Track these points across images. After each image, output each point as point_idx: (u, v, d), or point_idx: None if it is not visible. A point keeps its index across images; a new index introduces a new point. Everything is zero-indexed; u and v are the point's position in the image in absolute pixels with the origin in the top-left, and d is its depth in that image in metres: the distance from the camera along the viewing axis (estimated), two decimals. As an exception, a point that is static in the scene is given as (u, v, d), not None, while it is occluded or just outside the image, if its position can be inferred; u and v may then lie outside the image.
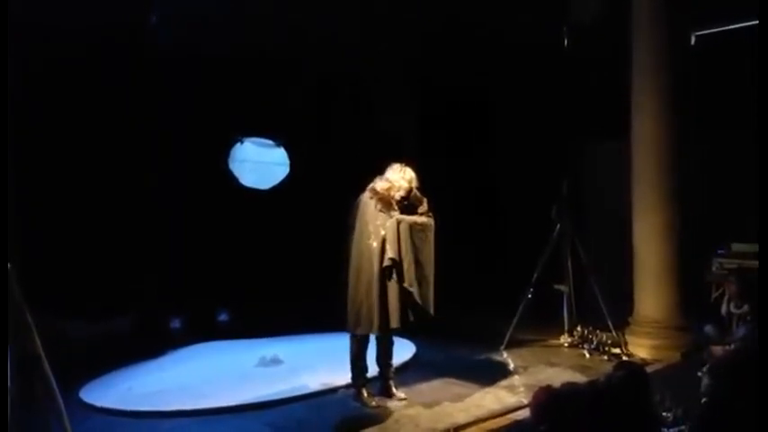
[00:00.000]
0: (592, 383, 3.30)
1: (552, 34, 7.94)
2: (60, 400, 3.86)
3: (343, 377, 5.45)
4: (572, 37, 7.88)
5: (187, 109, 7.43)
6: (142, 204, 7.27)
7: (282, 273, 7.79)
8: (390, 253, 4.99)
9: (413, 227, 5.10)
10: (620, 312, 6.80)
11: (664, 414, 3.62)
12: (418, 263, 5.06)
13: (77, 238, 6.69)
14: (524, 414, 4.51)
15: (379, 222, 5.08)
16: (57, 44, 6.48)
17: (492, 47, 8.52)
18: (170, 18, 7.06)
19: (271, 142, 8.41)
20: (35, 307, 3.54)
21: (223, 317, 8.02)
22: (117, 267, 7.07)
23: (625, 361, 5.90)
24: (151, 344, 6.99)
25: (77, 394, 5.60)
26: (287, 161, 8.47)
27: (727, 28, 7.27)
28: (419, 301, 5.05)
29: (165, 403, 5.40)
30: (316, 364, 6.28)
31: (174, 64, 7.27)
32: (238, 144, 8.19)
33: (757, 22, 6.93)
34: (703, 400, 3.26)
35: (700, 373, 3.39)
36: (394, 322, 5.03)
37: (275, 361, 6.42)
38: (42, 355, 3.68)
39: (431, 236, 5.18)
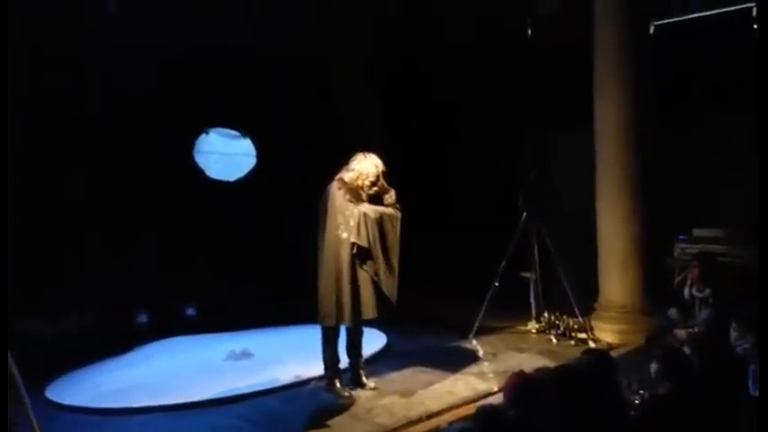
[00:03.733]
0: (562, 368, 3.35)
1: (516, 23, 8.00)
2: (27, 399, 3.80)
3: (315, 369, 5.45)
4: (535, 26, 7.94)
5: (149, 100, 7.30)
6: (106, 197, 7.12)
7: (251, 265, 7.73)
8: (362, 242, 5.00)
9: (381, 217, 5.12)
10: (586, 298, 6.91)
11: (631, 398, 3.70)
12: (385, 253, 5.10)
13: (40, 232, 6.54)
14: (496, 399, 4.56)
15: (348, 213, 5.08)
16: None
17: (456, 36, 8.54)
18: (129, 6, 6.94)
19: (236, 133, 8.32)
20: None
21: (191, 311, 7.92)
22: (82, 262, 6.94)
23: (592, 348, 6.03)
24: (118, 340, 6.89)
25: (44, 393, 5.50)
26: (253, 151, 8.39)
27: (683, 18, 7.42)
28: (385, 291, 5.07)
29: (134, 400, 5.34)
30: (286, 357, 6.27)
31: (134, 53, 7.13)
32: (203, 135, 8.08)
33: (715, 12, 7.18)
34: (661, 390, 3.38)
35: (652, 364, 3.51)
36: (369, 313, 5.06)
37: (245, 354, 6.38)
38: (7, 352, 3.61)
39: (397, 226, 5.22)
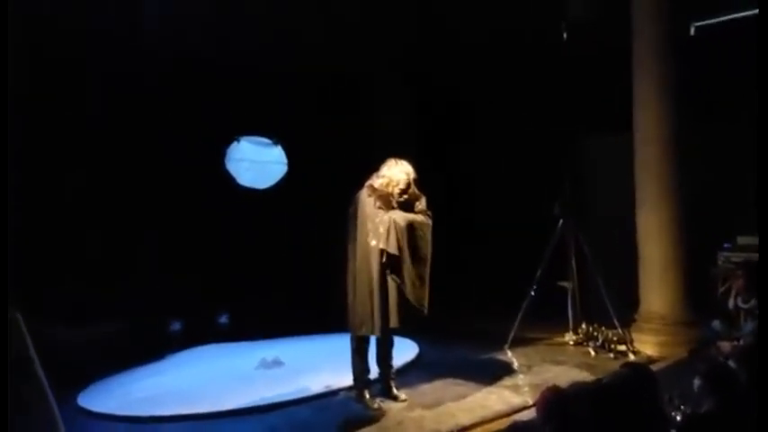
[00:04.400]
0: (598, 383, 3.20)
1: (552, 30, 7.86)
2: (54, 406, 3.78)
3: (345, 379, 5.37)
4: (571, 32, 7.79)
5: (183, 108, 7.35)
6: (140, 205, 7.18)
7: (282, 273, 7.71)
8: (391, 249, 4.90)
9: (411, 224, 5.01)
10: (626, 309, 6.71)
11: (672, 414, 3.52)
12: (415, 261, 4.98)
13: (73, 239, 6.61)
14: (530, 414, 4.41)
15: (378, 220, 4.99)
16: (56, 43, 6.41)
17: (492, 44, 8.43)
18: (165, 18, 6.99)
19: (268, 140, 8.32)
20: (30, 311, 3.46)
21: (223, 319, 7.93)
22: (115, 269, 6.99)
23: (631, 361, 5.83)
24: (150, 347, 6.93)
25: (75, 400, 5.53)
26: (285, 159, 8.39)
27: (726, 18, 7.18)
28: (414, 301, 4.96)
29: (165, 407, 5.33)
30: (317, 366, 6.22)
31: (170, 63, 7.19)
32: (235, 143, 8.11)
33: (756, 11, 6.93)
34: (705, 407, 3.20)
35: (695, 378, 3.33)
36: (393, 321, 4.96)
37: (276, 363, 6.36)
38: (34, 357, 3.60)
39: (428, 234, 5.09)
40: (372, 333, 5.01)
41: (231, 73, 7.61)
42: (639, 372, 3.39)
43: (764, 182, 3.42)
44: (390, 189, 5.06)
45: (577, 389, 3.14)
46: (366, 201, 5.06)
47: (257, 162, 8.20)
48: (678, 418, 3.51)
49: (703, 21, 7.26)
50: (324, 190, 7.29)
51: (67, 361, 5.44)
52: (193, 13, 7.26)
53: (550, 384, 3.30)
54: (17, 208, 4.14)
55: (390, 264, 4.94)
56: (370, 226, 4.99)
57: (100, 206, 6.89)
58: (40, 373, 3.64)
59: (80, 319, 6.53)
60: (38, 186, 6.37)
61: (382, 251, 4.93)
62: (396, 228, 4.94)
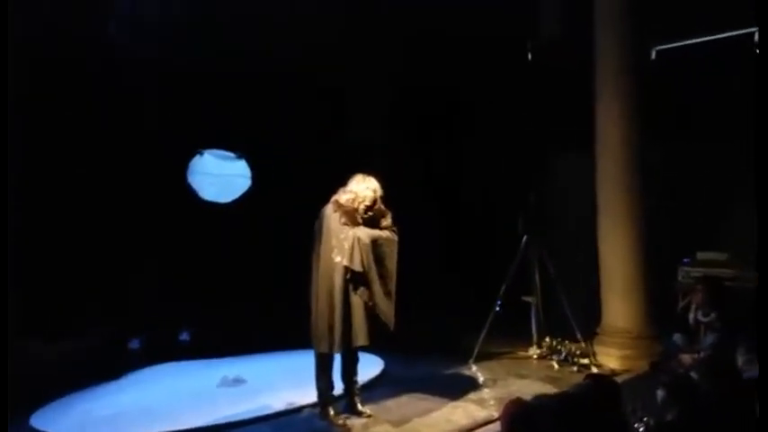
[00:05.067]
0: (562, 395, 3.20)
1: (519, 47, 7.96)
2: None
3: (309, 395, 5.30)
4: (537, 49, 7.90)
5: (143, 120, 7.22)
6: (99, 220, 6.99)
7: (245, 289, 7.58)
8: (355, 266, 4.87)
9: (376, 241, 4.99)
10: (589, 323, 6.77)
11: (635, 426, 3.54)
12: (381, 277, 4.96)
13: (31, 252, 6.37)
14: (495, 428, 4.40)
15: (343, 236, 4.95)
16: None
17: (459, 59, 8.49)
18: (128, 25, 6.89)
19: (231, 154, 8.22)
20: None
21: (184, 336, 7.76)
22: (74, 285, 6.78)
23: (594, 372, 5.87)
24: (109, 366, 6.72)
25: (28, 421, 5.34)
26: (248, 173, 8.28)
27: (685, 43, 7.37)
28: (382, 317, 4.93)
29: (124, 427, 5.21)
30: (280, 384, 6.12)
31: (130, 73, 7.06)
32: (198, 156, 7.99)
33: (718, 36, 7.13)
34: (668, 416, 3.23)
35: (658, 389, 3.37)
36: (361, 339, 4.91)
37: (238, 381, 6.23)
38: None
39: (394, 250, 5.08)
40: (333, 350, 4.96)
41: (192, 84, 7.46)
42: (602, 383, 3.41)
43: (764, 192, 3.48)
44: (356, 205, 5.03)
45: (540, 401, 3.14)
46: (331, 216, 5.03)
47: (221, 176, 8.08)
48: (641, 429, 3.53)
49: (663, 45, 7.44)
50: (289, 204, 7.20)
51: (21, 380, 5.22)
52: (154, 19, 7.17)
53: (513, 398, 3.29)
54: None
55: (354, 280, 4.90)
56: (334, 242, 4.96)
57: (58, 220, 6.68)
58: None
59: (36, 337, 6.32)
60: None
61: (346, 268, 4.89)
62: (360, 245, 4.91)
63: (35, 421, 5.37)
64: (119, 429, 5.16)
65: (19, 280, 6.12)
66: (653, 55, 7.39)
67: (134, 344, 7.40)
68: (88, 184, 6.90)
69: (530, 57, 7.93)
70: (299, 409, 5.41)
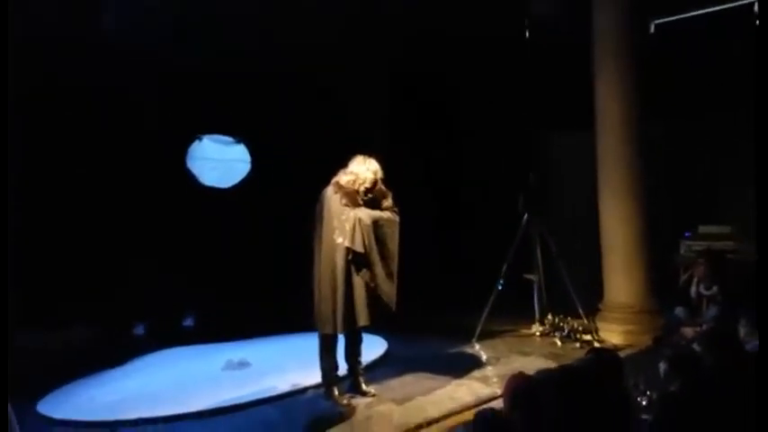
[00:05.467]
0: (564, 368, 3.21)
1: (515, 26, 7.89)
2: (12, 414, 3.67)
3: (313, 377, 5.33)
4: (534, 28, 7.84)
5: (143, 105, 7.20)
6: (100, 207, 7.00)
7: (247, 273, 7.60)
8: (357, 247, 4.87)
9: (377, 221, 4.99)
10: (591, 299, 6.78)
11: (638, 399, 3.56)
12: (383, 258, 4.97)
13: (34, 242, 6.40)
14: (498, 404, 4.42)
15: (344, 217, 4.95)
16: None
17: (455, 41, 8.43)
18: (123, 13, 6.85)
19: (230, 139, 8.20)
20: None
21: (188, 322, 7.80)
22: (77, 273, 6.80)
23: (597, 347, 5.89)
24: (114, 352, 6.76)
25: (35, 407, 5.37)
26: (248, 157, 8.26)
27: (685, 16, 7.31)
28: (384, 298, 4.95)
29: (130, 411, 5.19)
30: (284, 365, 6.16)
31: (129, 73, 7.05)
32: (197, 141, 7.97)
33: (717, 8, 7.08)
34: (671, 388, 3.24)
35: (661, 362, 3.38)
36: (362, 320, 4.92)
37: (243, 364, 6.26)
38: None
39: (395, 231, 5.09)
40: (336, 331, 4.97)
41: (192, 70, 7.44)
42: (604, 357, 3.42)
43: (764, 180, 3.47)
44: (356, 186, 5.03)
45: (543, 375, 3.14)
46: (332, 198, 5.03)
47: (220, 161, 8.07)
48: (644, 402, 3.55)
49: (662, 18, 7.38)
50: (289, 187, 7.19)
51: (26, 367, 5.26)
52: (155, 10, 7.12)
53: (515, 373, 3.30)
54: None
55: (356, 261, 4.91)
56: (336, 223, 4.96)
57: (60, 208, 6.69)
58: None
59: (39, 325, 6.35)
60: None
61: (348, 249, 4.90)
62: (361, 225, 4.92)
63: (42, 408, 5.40)
64: (125, 415, 5.14)
65: (21, 269, 6.18)
66: (651, 29, 7.33)
67: (139, 330, 7.46)
68: (91, 175, 6.93)
69: (527, 34, 7.87)
70: (304, 390, 5.44)
